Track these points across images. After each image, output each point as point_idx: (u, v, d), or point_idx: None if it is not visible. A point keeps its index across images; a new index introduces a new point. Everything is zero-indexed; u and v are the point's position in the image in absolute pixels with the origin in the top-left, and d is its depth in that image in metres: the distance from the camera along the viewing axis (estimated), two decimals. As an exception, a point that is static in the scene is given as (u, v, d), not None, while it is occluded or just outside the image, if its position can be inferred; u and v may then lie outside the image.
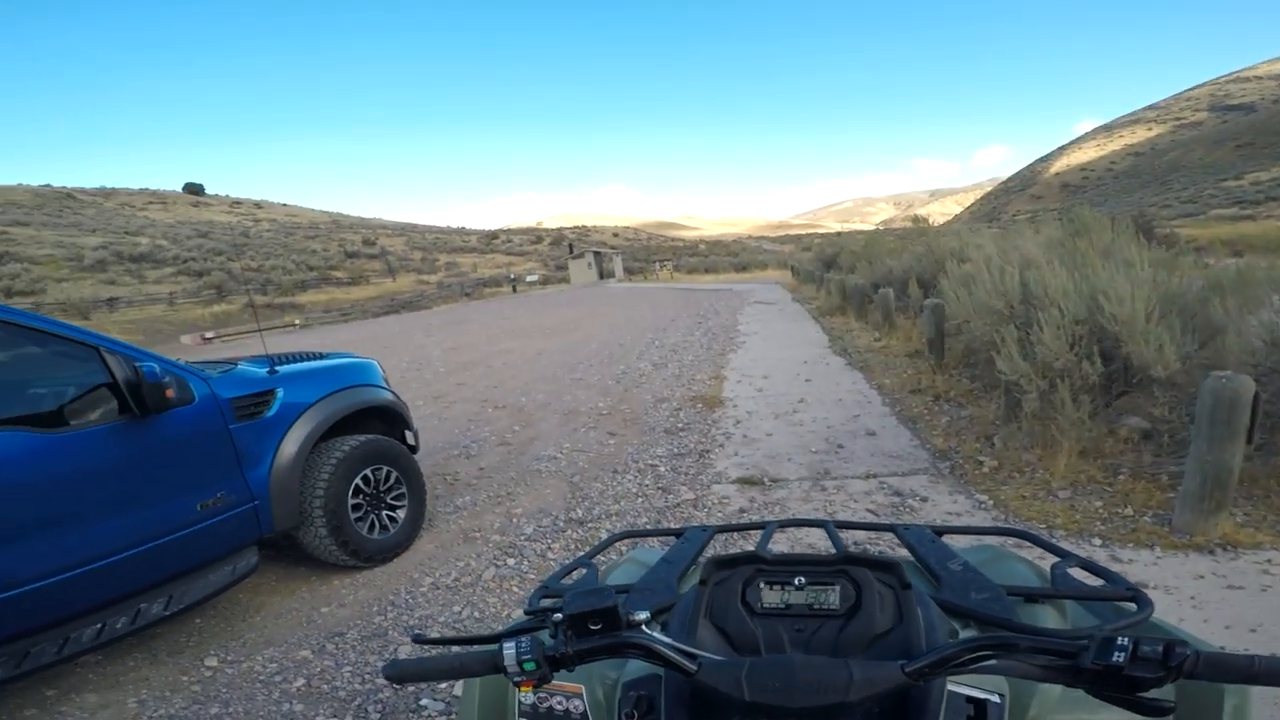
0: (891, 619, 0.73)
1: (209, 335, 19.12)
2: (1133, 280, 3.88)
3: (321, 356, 3.81)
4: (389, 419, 3.85)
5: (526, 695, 0.87)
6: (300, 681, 2.52)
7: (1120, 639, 0.53)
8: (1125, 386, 4.17)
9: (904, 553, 1.11)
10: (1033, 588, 0.94)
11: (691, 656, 0.64)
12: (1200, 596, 2.60)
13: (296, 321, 23.65)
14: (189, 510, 2.62)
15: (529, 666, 0.62)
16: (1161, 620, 0.88)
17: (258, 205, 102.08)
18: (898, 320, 8.94)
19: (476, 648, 0.68)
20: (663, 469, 4.73)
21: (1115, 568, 2.95)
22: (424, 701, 2.33)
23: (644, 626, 0.66)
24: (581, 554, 1.22)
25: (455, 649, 0.70)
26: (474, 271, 45.99)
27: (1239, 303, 3.72)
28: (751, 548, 0.94)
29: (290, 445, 3.06)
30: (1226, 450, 2.84)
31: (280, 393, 3.11)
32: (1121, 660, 0.51)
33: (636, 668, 0.78)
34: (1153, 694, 0.53)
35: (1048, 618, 0.89)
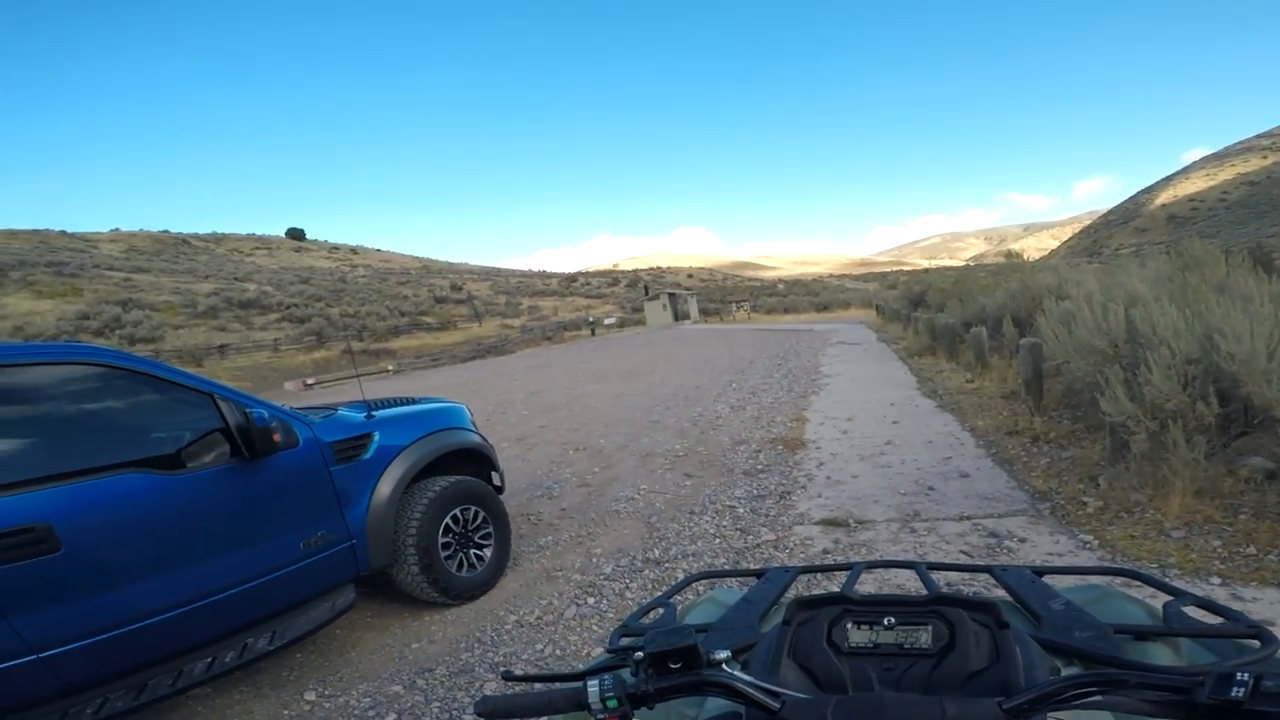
0: (988, 657, 0.70)
1: (310, 382, 20.71)
2: (1251, 316, 3.59)
3: (414, 401, 4.05)
4: (477, 461, 4.01)
5: None
6: (391, 717, 2.59)
7: (1240, 674, 0.49)
8: (1245, 427, 3.86)
9: (1001, 593, 1.05)
10: (1144, 625, 0.88)
11: (774, 694, 0.63)
12: None
13: (390, 367, 25.29)
14: (293, 548, 2.78)
15: (611, 704, 0.63)
16: None
17: (354, 251, 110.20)
18: (991, 360, 8.54)
19: (561, 685, 0.69)
20: (741, 510, 4.64)
21: (1238, 606, 2.64)
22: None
23: (724, 665, 0.66)
24: (659, 594, 1.24)
25: (540, 686, 0.72)
26: (554, 315, 47.62)
27: None
28: (837, 589, 0.92)
29: (385, 486, 3.23)
30: None
31: (377, 436, 3.30)
32: (1241, 695, 0.48)
33: (715, 705, 0.77)
34: None
35: (1160, 655, 0.82)
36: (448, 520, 3.48)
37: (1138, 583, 1.05)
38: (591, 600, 3.50)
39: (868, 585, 3.09)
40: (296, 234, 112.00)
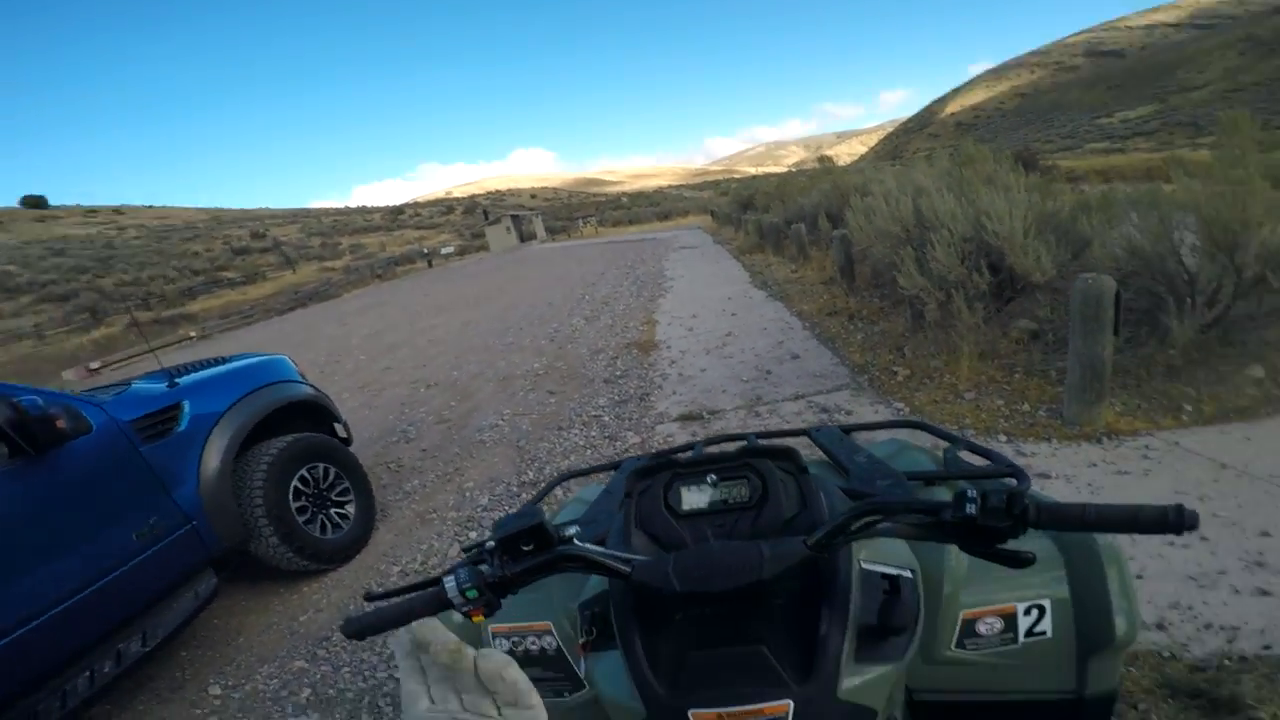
0: (797, 504, 0.78)
1: (94, 365, 17.28)
2: (1011, 202, 4.30)
3: (224, 361, 3.59)
4: (314, 414, 3.70)
5: (504, 643, 0.91)
6: (306, 691, 2.50)
7: (970, 491, 0.58)
8: (1012, 293, 4.60)
9: (819, 454, 1.18)
10: (930, 472, 1.01)
11: (625, 561, 0.68)
12: (1095, 483, 2.88)
13: (193, 333, 21.81)
14: (125, 542, 2.48)
15: (471, 594, 0.65)
16: (1038, 492, 0.95)
17: (118, 211, 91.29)
18: (811, 252, 9.41)
19: (422, 591, 0.70)
20: (607, 418, 4.81)
21: (1021, 461, 3.18)
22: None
23: (575, 540, 0.69)
24: (526, 503, 1.27)
25: (401, 599, 0.72)
26: (383, 251, 43.65)
27: (1103, 219, 4.19)
28: None
29: (212, 457, 2.91)
30: (1098, 343, 3.15)
31: (186, 405, 2.92)
32: (974, 511, 0.57)
33: (592, 588, 0.83)
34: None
35: (943, 497, 0.97)
36: (295, 483, 3.22)
37: (927, 432, 1.24)
38: (474, 534, 3.48)
39: None
40: (36, 201, 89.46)
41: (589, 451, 4.28)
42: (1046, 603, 0.81)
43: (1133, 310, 3.80)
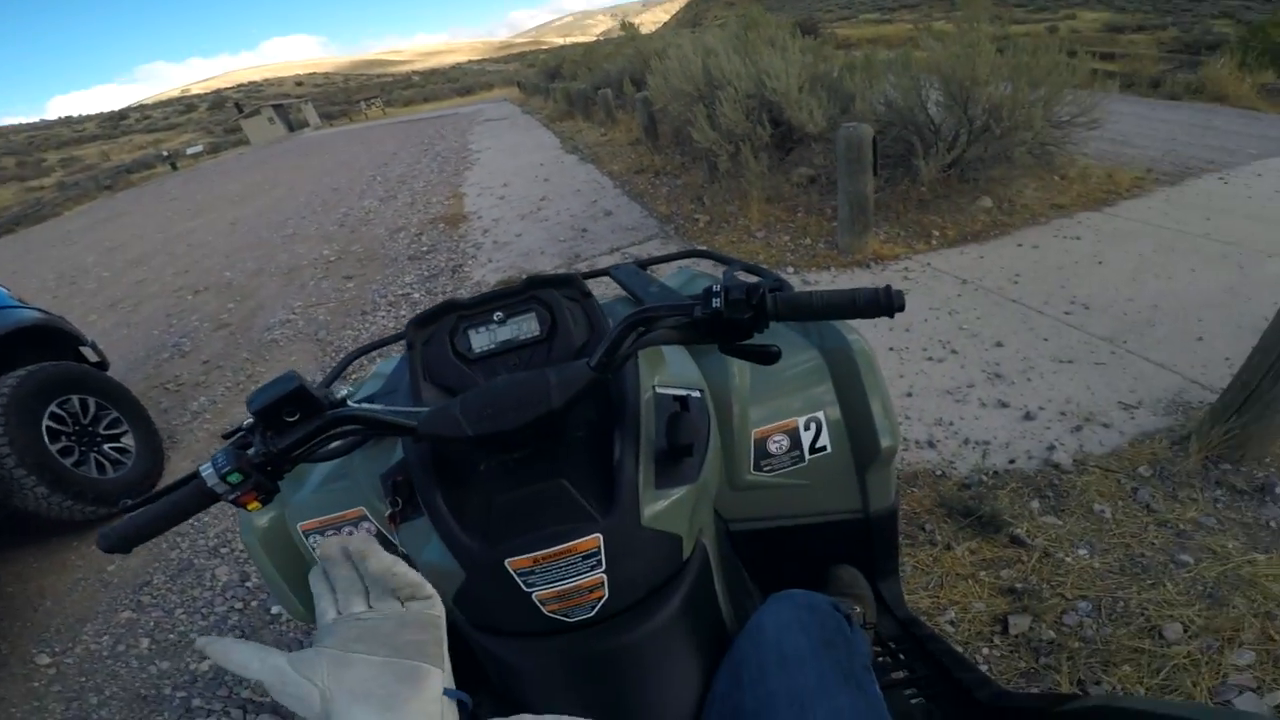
0: (585, 330, 0.76)
1: None
2: (788, 62, 4.66)
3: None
4: (49, 341, 3.03)
5: (316, 538, 0.83)
6: (145, 641, 2.18)
7: (714, 287, 0.59)
8: (792, 144, 5.05)
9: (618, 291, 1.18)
10: None
11: (408, 414, 0.61)
12: None
13: None
14: None
15: (234, 478, 0.56)
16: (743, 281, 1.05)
17: None
18: (618, 116, 9.51)
19: (181, 488, 0.59)
20: (416, 295, 4.46)
21: (806, 289, 3.60)
22: (275, 609, 2.15)
23: (349, 401, 0.61)
24: (319, 382, 1.09)
25: (164, 500, 0.59)
26: (107, 160, 34.66)
27: (866, 78, 4.70)
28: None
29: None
30: (861, 180, 3.54)
31: None
32: (719, 305, 0.58)
33: (391, 460, 0.74)
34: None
35: None
36: (48, 422, 2.65)
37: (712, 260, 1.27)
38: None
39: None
40: None
41: (400, 332, 3.97)
42: (821, 415, 0.87)
43: (889, 155, 4.32)
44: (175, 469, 3.11)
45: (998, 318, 2.95)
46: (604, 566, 0.59)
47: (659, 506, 0.63)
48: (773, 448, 0.87)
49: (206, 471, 0.56)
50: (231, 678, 1.91)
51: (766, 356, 0.61)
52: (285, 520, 0.85)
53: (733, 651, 0.67)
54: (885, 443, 0.87)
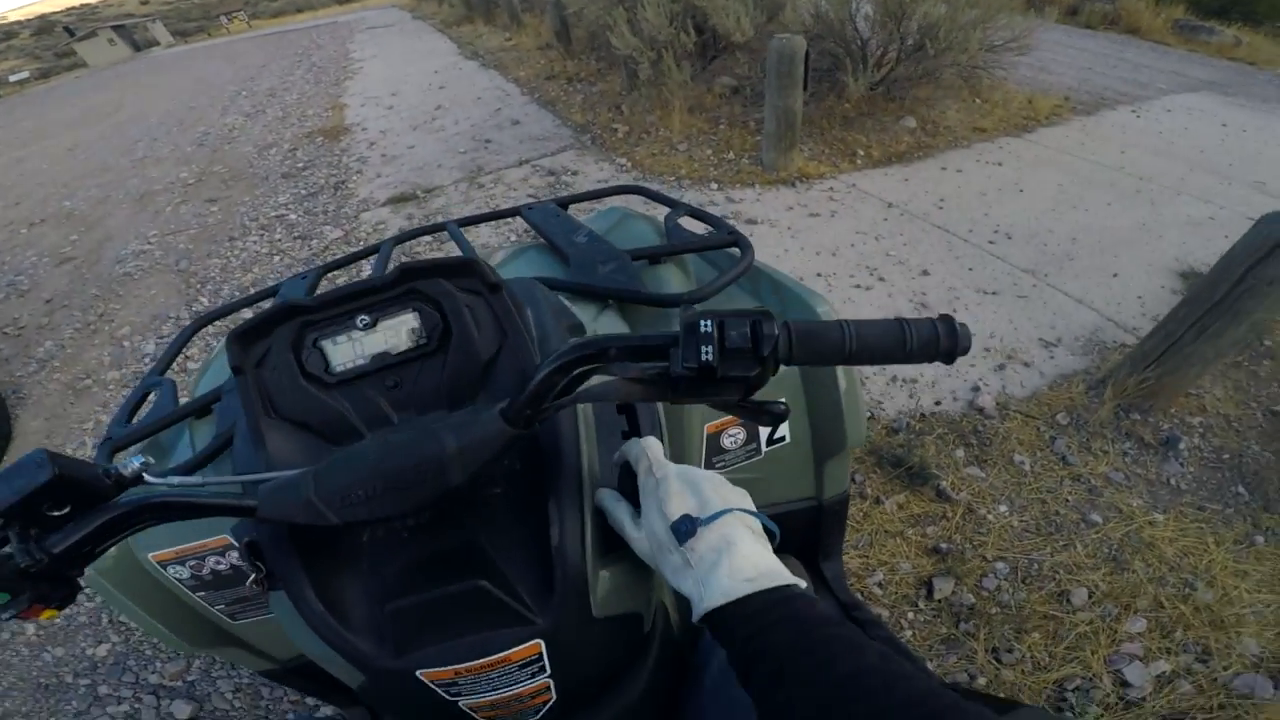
0: (495, 335, 0.54)
1: None
2: None
3: None
4: None
5: (180, 570, 0.71)
6: (31, 628, 1.89)
7: (704, 325, 0.40)
8: (715, 52, 4.76)
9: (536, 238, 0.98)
10: (653, 247, 0.85)
11: (244, 489, 0.45)
12: (794, 225, 3.11)
13: None
14: None
15: None
16: (765, 265, 0.84)
17: None
18: (525, 19, 8.68)
19: None
20: (294, 216, 3.95)
21: (730, 208, 3.31)
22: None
23: (145, 475, 0.43)
24: (149, 370, 0.87)
25: None
26: None
27: None
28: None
29: None
30: (790, 95, 3.34)
31: None
32: (711, 359, 0.39)
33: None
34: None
35: (670, 279, 0.80)
36: None
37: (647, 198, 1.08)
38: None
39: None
40: None
41: (276, 258, 3.52)
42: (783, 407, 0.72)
43: (816, 69, 4.12)
44: (25, 429, 2.66)
45: (924, 244, 2.92)
46: (548, 671, 0.48)
47: (612, 587, 0.49)
48: (727, 442, 0.74)
49: None
50: (135, 663, 1.69)
51: (773, 418, 0.44)
52: (131, 550, 0.70)
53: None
54: (852, 437, 0.76)
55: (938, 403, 2.08)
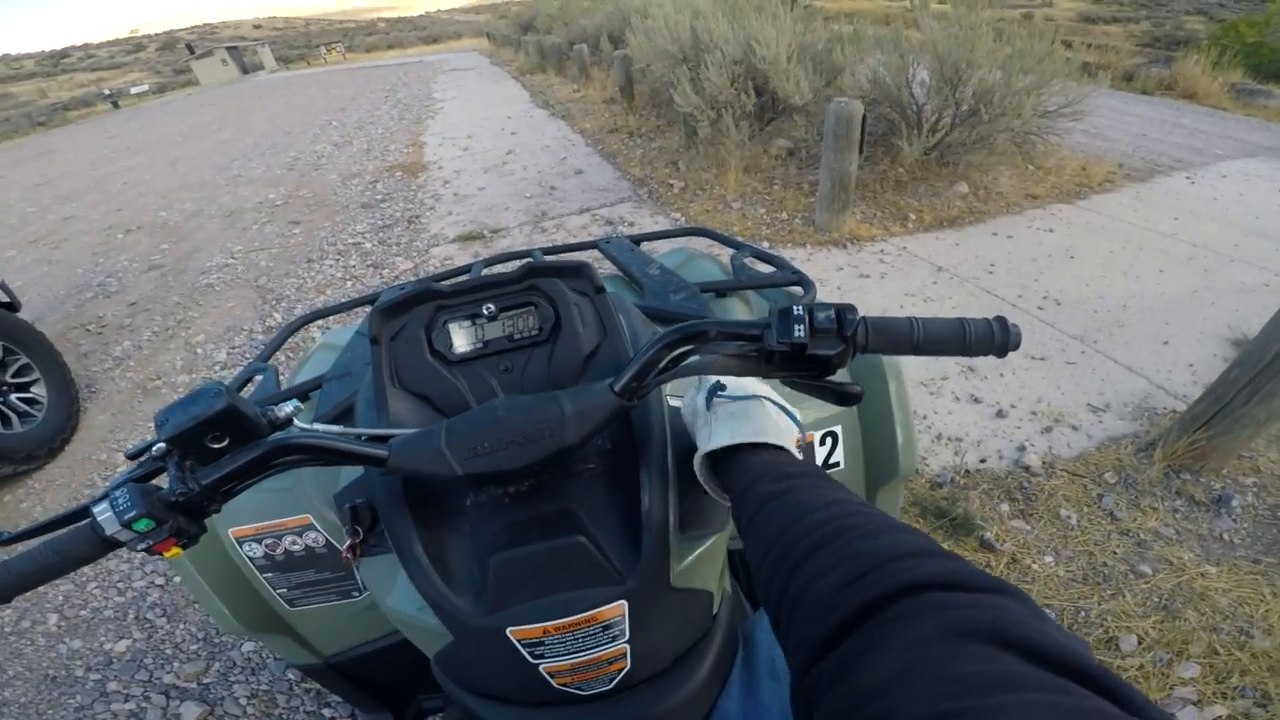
0: (596, 332, 0.62)
1: None
2: (778, 29, 4.53)
3: None
4: None
5: (254, 548, 0.75)
6: (54, 618, 1.96)
7: (796, 310, 0.46)
8: (774, 114, 4.93)
9: (611, 269, 1.05)
10: (720, 281, 0.93)
11: (380, 440, 0.48)
12: (844, 285, 3.17)
13: None
14: None
15: (142, 525, 0.41)
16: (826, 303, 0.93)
17: None
18: (593, 72, 9.22)
19: (65, 528, 0.44)
20: (369, 245, 4.20)
21: None
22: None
23: (296, 421, 0.48)
24: (255, 357, 0.95)
25: (45, 539, 0.44)
26: (44, 98, 32.22)
27: (854, 52, 4.66)
28: None
29: None
30: (846, 158, 3.44)
31: None
32: (803, 335, 0.45)
33: (346, 474, 0.62)
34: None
35: (735, 310, 0.89)
36: None
37: (712, 241, 1.17)
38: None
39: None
40: None
41: (349, 283, 3.72)
42: (839, 430, 0.78)
43: (871, 133, 4.23)
44: (92, 423, 2.85)
45: (972, 308, 2.92)
46: (627, 636, 0.51)
47: (689, 561, 0.53)
48: None
49: (103, 515, 0.41)
50: (153, 661, 1.73)
51: (848, 398, 0.49)
52: (212, 525, 0.73)
53: None
54: (904, 466, 0.80)
55: (983, 460, 2.06)
